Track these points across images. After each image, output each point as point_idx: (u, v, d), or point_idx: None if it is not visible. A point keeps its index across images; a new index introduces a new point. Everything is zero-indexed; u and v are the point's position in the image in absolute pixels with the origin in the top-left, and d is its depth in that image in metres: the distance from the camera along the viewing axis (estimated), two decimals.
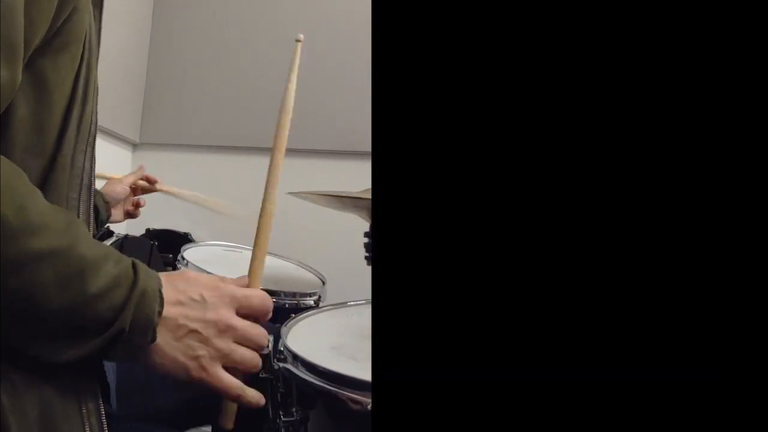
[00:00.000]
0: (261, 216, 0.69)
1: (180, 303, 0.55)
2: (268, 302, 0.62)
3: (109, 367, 0.79)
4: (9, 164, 0.47)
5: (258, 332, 0.59)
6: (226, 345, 0.56)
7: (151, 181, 1.31)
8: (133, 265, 0.52)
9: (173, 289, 0.55)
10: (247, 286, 0.64)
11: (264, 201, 0.69)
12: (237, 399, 0.59)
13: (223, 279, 0.60)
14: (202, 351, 0.55)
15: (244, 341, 0.58)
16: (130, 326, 0.50)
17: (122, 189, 1.25)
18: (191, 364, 0.54)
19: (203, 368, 0.55)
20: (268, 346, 0.76)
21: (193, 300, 0.56)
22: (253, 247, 0.68)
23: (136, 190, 1.30)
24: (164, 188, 1.34)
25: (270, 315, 0.62)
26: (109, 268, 0.50)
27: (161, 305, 0.52)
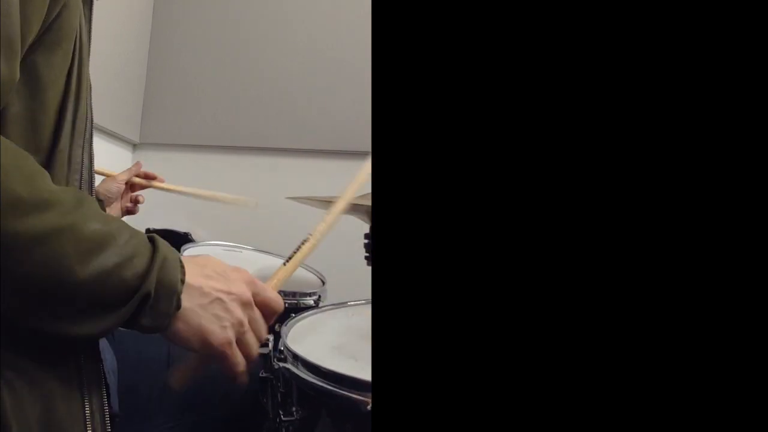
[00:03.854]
0: (307, 241, 0.71)
1: (204, 275, 0.56)
2: (281, 303, 0.63)
3: (110, 370, 0.79)
4: (14, 146, 0.47)
5: (264, 323, 0.60)
6: (245, 320, 0.58)
7: (149, 177, 1.30)
8: (150, 238, 0.53)
9: (195, 264, 0.56)
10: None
11: (315, 231, 0.71)
12: (235, 376, 0.59)
13: (240, 268, 0.61)
14: (227, 321, 0.56)
15: (254, 325, 0.59)
16: (155, 291, 0.50)
17: (116, 187, 1.24)
18: (216, 331, 0.55)
19: (227, 338, 0.56)
20: (268, 345, 0.76)
21: (217, 272, 0.57)
22: (287, 259, 0.70)
23: (133, 186, 1.29)
24: (162, 185, 1.33)
25: (276, 317, 0.63)
26: (127, 238, 0.50)
27: (183, 273, 0.53)
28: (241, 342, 0.58)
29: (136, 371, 0.91)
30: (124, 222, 0.52)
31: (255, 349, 0.59)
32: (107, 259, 0.48)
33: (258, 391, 0.85)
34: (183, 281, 0.53)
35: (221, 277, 0.57)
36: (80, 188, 0.56)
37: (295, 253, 0.70)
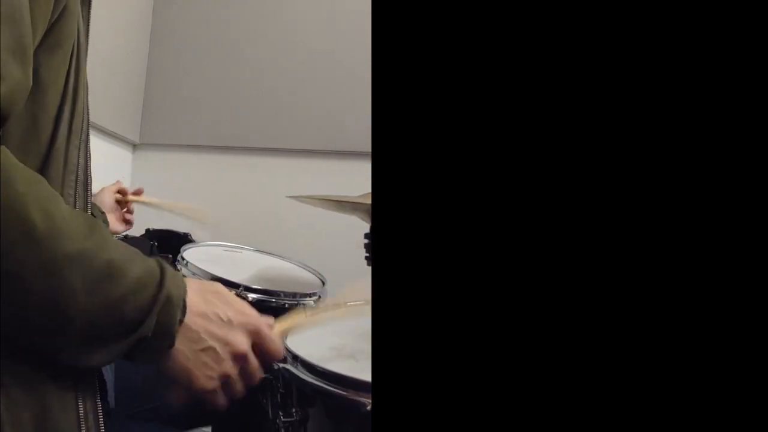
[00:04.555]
0: (339, 307, 0.72)
1: (205, 316, 0.55)
2: (281, 353, 0.62)
3: (107, 367, 0.79)
4: (30, 171, 0.47)
5: (258, 373, 0.59)
6: (233, 372, 0.56)
7: (123, 193, 1.31)
8: (161, 267, 0.52)
9: (202, 300, 0.55)
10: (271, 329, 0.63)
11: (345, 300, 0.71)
12: (216, 407, 0.58)
13: (251, 308, 0.60)
14: (213, 371, 0.55)
15: (245, 376, 0.58)
16: (153, 332, 0.50)
17: (109, 200, 1.25)
18: (201, 380, 0.54)
19: (209, 385, 0.55)
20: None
21: (219, 317, 0.55)
22: (311, 313, 0.69)
23: (118, 203, 1.31)
24: (138, 199, 1.34)
25: (275, 362, 0.62)
26: (136, 269, 0.50)
27: (183, 314, 0.53)
28: (227, 390, 0.57)
29: (130, 367, 0.91)
30: (135, 251, 0.52)
31: (241, 393, 0.58)
32: (113, 291, 0.48)
33: (257, 392, 0.84)
34: (182, 321, 0.52)
35: (222, 323, 0.56)
36: (75, 187, 0.56)
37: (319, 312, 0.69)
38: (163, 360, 0.53)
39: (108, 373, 0.77)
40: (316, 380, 0.68)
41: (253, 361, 0.58)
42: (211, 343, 0.54)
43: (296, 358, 0.72)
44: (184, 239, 1.78)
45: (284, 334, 0.66)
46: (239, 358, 0.56)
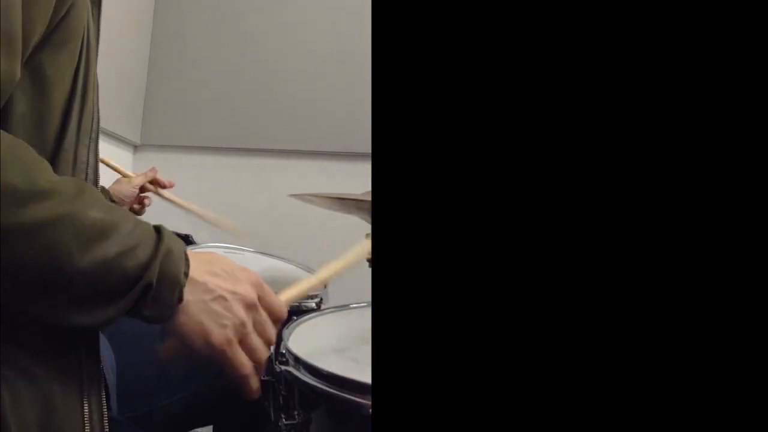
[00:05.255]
0: (320, 273, 0.72)
1: (211, 271, 0.55)
2: (285, 310, 0.62)
3: (109, 369, 0.79)
4: (13, 138, 0.47)
5: (271, 326, 0.59)
6: (249, 322, 0.56)
7: (161, 185, 1.31)
8: (156, 228, 0.53)
9: (201, 260, 0.55)
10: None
11: (327, 272, 0.72)
12: (243, 380, 0.58)
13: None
14: (227, 320, 0.55)
15: (259, 327, 0.58)
16: (157, 281, 0.50)
17: (130, 191, 1.25)
18: (216, 330, 0.54)
19: (226, 337, 0.55)
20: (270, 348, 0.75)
21: (224, 270, 0.56)
22: (302, 280, 0.70)
23: (142, 188, 1.30)
24: (167, 196, 1.33)
25: (280, 324, 0.62)
26: (130, 227, 0.50)
27: (187, 266, 0.53)
28: (244, 344, 0.57)
29: (133, 362, 0.91)
30: (127, 212, 0.52)
31: (262, 351, 0.58)
32: (109, 248, 0.48)
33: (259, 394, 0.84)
34: (187, 274, 0.52)
35: (227, 275, 0.56)
36: None
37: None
38: (176, 318, 0.53)
39: (110, 375, 0.76)
40: (318, 382, 0.67)
41: (263, 313, 0.58)
42: (221, 292, 0.55)
43: (298, 360, 0.72)
44: (186, 241, 1.78)
45: (286, 294, 0.66)
46: (251, 306, 0.56)
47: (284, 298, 0.65)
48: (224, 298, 0.55)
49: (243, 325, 0.56)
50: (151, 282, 0.49)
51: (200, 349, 0.55)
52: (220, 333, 0.54)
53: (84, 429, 0.51)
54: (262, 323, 0.58)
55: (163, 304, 0.51)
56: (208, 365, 0.59)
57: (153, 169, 1.32)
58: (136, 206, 1.29)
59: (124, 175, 1.29)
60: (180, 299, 0.52)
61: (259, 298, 0.58)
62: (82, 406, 0.52)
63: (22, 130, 0.51)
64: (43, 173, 0.47)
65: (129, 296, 0.49)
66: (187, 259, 0.53)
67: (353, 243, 1.08)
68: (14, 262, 0.45)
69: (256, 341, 0.58)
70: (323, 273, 0.73)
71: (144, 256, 0.49)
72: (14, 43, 0.47)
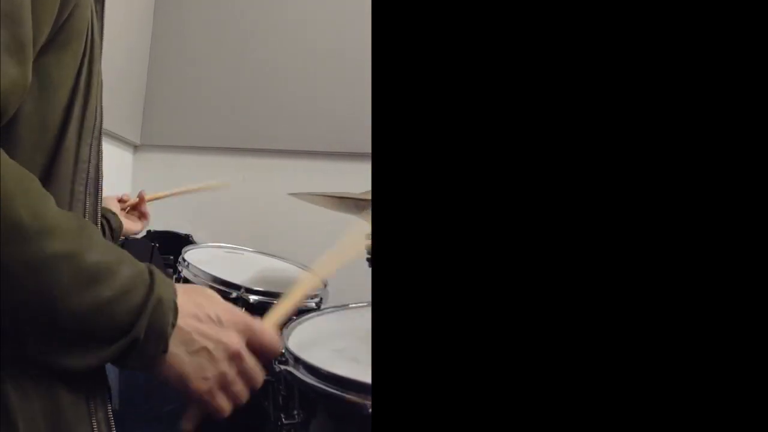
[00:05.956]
0: (306, 277, 0.70)
1: (196, 317, 0.54)
2: (279, 345, 0.60)
3: (110, 368, 0.79)
4: (21, 169, 0.47)
5: (258, 373, 0.58)
6: (231, 373, 0.55)
7: (122, 202, 1.30)
8: (150, 271, 0.52)
9: (191, 302, 0.54)
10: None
11: (318, 270, 0.71)
12: (218, 419, 0.57)
13: (239, 309, 0.59)
14: (210, 372, 0.54)
15: (243, 375, 0.57)
16: (144, 335, 0.49)
17: (115, 205, 1.24)
18: (196, 381, 0.54)
19: (207, 389, 0.54)
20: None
21: (209, 318, 0.55)
22: (284, 296, 0.68)
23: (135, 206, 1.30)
24: (160, 195, 1.34)
25: (275, 357, 0.61)
26: (125, 271, 0.49)
27: (175, 317, 0.52)
28: (227, 392, 0.56)
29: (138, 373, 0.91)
30: (124, 253, 0.51)
31: (243, 396, 0.57)
32: (102, 292, 0.47)
33: (259, 395, 0.84)
34: (174, 325, 0.52)
35: (213, 324, 0.55)
36: (86, 184, 0.56)
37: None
38: (157, 366, 0.52)
39: (110, 374, 0.76)
40: (317, 382, 0.67)
41: (249, 359, 0.57)
42: (204, 343, 0.54)
43: (298, 361, 0.72)
44: (186, 241, 1.78)
45: (277, 326, 0.65)
46: (234, 357, 0.55)
47: (275, 317, 0.64)
48: (207, 350, 0.54)
49: (224, 376, 0.55)
50: (138, 337, 0.49)
51: (182, 393, 0.54)
52: (200, 385, 0.54)
53: (91, 424, 0.52)
54: (248, 371, 0.57)
55: (148, 357, 0.51)
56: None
57: (119, 196, 1.31)
58: (138, 226, 1.29)
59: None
60: (165, 350, 0.51)
61: (249, 342, 0.57)
62: (88, 403, 0.52)
63: (29, 131, 0.51)
64: (49, 209, 0.47)
65: (116, 345, 0.49)
66: (175, 308, 0.52)
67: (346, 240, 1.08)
68: (10, 295, 0.45)
69: (239, 388, 0.57)
70: (310, 279, 0.73)
71: (134, 304, 0.49)
72: (26, 48, 0.47)
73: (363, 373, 0.65)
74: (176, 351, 0.52)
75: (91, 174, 0.56)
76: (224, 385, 0.55)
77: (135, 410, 0.86)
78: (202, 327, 0.54)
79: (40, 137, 0.52)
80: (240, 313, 0.58)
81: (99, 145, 0.58)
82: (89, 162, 0.56)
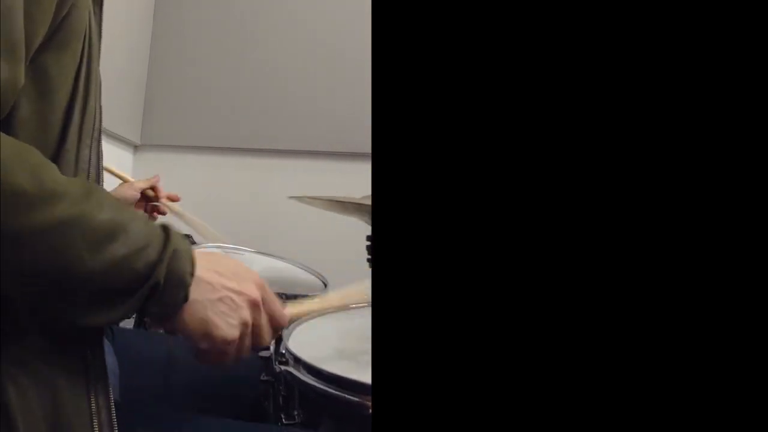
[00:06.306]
0: (350, 292, 0.72)
1: (216, 271, 0.56)
2: (286, 318, 0.62)
3: (110, 371, 0.79)
4: (17, 141, 0.47)
5: (269, 329, 0.59)
6: (250, 321, 0.57)
7: (156, 192, 1.30)
8: (163, 226, 0.53)
9: (207, 259, 0.56)
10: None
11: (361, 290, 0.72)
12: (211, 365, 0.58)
13: None
14: (234, 318, 0.55)
15: (256, 329, 0.58)
16: (164, 281, 0.50)
17: (132, 194, 1.24)
18: (222, 325, 0.55)
19: (232, 334, 0.55)
20: (269, 349, 0.75)
21: (230, 271, 0.57)
22: (319, 300, 0.70)
23: (147, 197, 1.29)
24: (167, 204, 1.33)
25: (279, 331, 0.62)
26: (138, 228, 0.50)
27: (193, 266, 0.53)
28: (240, 343, 0.57)
29: (136, 371, 0.91)
30: (135, 211, 0.52)
31: (247, 351, 0.59)
32: (118, 249, 0.48)
33: (259, 395, 0.84)
34: (192, 274, 0.53)
35: (233, 275, 0.57)
36: None
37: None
38: (179, 314, 0.53)
39: (111, 377, 0.77)
40: (318, 382, 0.67)
41: (264, 316, 0.58)
42: (226, 292, 0.55)
43: (298, 361, 0.72)
44: None
45: (294, 314, 0.67)
46: (255, 307, 0.57)
47: (288, 311, 0.65)
48: (230, 298, 0.55)
49: (246, 324, 0.56)
50: (158, 282, 0.50)
51: (200, 344, 0.55)
52: (227, 330, 0.55)
53: (92, 424, 0.52)
54: (262, 326, 0.58)
55: (170, 303, 0.52)
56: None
57: (156, 177, 1.31)
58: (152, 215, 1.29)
59: (125, 180, 1.28)
60: (186, 298, 0.52)
61: (263, 300, 0.58)
62: (90, 403, 0.52)
63: (27, 134, 0.51)
64: (51, 175, 0.47)
65: (137, 295, 0.49)
66: (193, 259, 0.53)
67: (353, 245, 1.08)
68: (25, 266, 0.45)
69: (265, 333, 0.58)
70: (328, 300, 0.74)
71: (152, 256, 0.50)
72: (17, 48, 0.47)
73: (363, 373, 0.65)
74: (198, 298, 0.53)
75: (92, 174, 0.57)
76: (243, 335, 0.56)
77: (137, 410, 0.86)
78: (222, 279, 0.55)
79: (39, 139, 0.52)
80: (255, 272, 0.59)
81: (99, 145, 0.59)
82: (89, 163, 0.56)
